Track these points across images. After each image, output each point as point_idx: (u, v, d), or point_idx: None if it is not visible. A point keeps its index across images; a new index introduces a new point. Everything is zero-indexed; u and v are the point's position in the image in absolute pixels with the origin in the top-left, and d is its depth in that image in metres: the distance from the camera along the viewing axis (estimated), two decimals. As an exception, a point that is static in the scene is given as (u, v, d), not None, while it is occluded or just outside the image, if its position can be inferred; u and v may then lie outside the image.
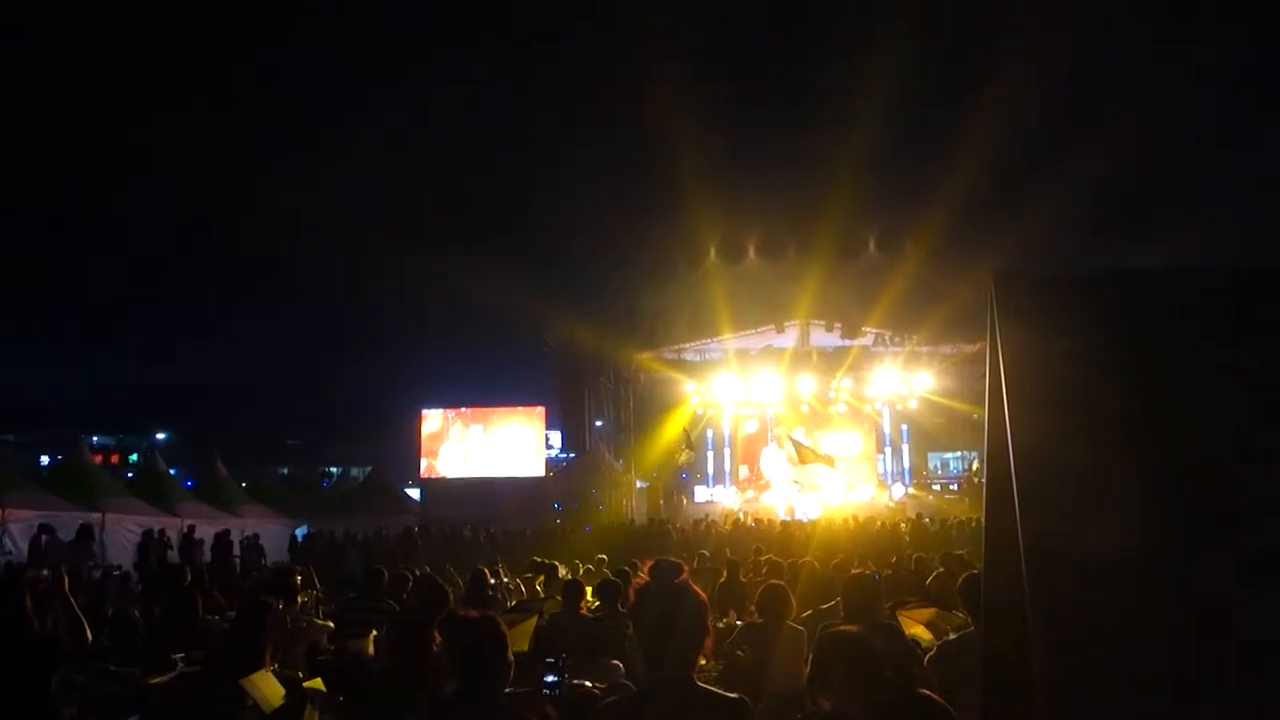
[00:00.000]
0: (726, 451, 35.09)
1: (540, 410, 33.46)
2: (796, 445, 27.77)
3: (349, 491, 31.46)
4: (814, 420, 34.07)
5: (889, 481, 34.02)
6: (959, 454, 36.12)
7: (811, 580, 9.53)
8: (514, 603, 9.59)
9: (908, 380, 32.52)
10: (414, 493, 32.19)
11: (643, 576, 2.92)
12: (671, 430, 32.72)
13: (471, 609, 3.87)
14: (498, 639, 3.19)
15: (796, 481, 31.42)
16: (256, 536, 20.28)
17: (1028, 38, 27.18)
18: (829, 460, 27.98)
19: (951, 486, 33.73)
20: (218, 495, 23.11)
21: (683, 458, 31.03)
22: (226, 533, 19.10)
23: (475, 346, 43.14)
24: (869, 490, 32.48)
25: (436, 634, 3.66)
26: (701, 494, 33.46)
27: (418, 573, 9.02)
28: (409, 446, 33.54)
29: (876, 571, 10.94)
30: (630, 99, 30.13)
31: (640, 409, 35.46)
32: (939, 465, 37.24)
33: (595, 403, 34.96)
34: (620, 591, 6.79)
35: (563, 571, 11.66)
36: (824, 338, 32.91)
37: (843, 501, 29.61)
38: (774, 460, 32.68)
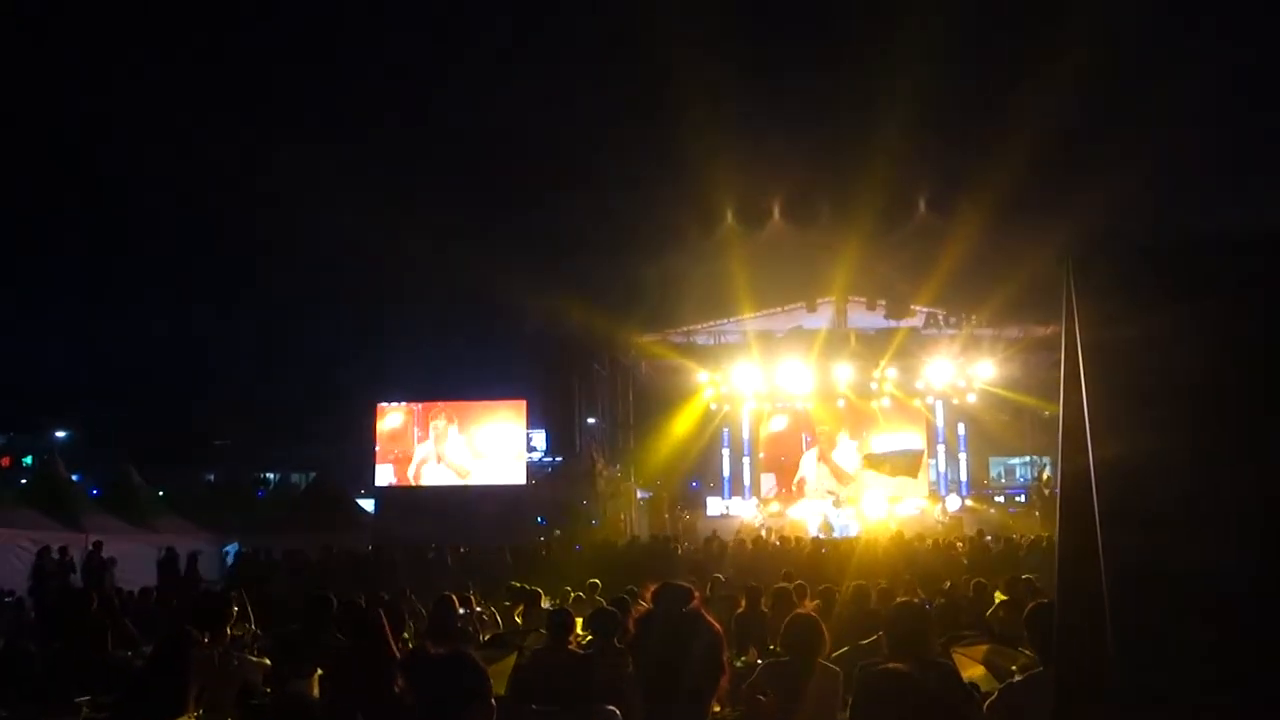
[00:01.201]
0: (746, 457, 35.14)
1: (521, 405, 33.52)
2: (868, 458, 27.89)
3: (289, 501, 31.71)
4: (854, 418, 34.12)
5: (942, 491, 34.08)
6: (1026, 459, 36.14)
7: (849, 610, 9.57)
8: (488, 636, 9.62)
9: (965, 370, 32.51)
10: (367, 503, 32.52)
11: (644, 604, 2.93)
12: (680, 429, 32.77)
13: (439, 643, 3.87)
14: (473, 680, 3.15)
15: (832, 493, 31.50)
16: (194, 556, 20.27)
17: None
18: (912, 463, 27.97)
19: (1017, 498, 33.82)
20: (129, 505, 23.02)
21: None
22: (146, 550, 19.28)
23: (444, 328, 42.99)
24: (918, 502, 32.58)
25: (399, 675, 3.65)
26: (715, 506, 33.71)
27: (373, 600, 9.06)
28: (362, 448, 33.68)
29: (927, 600, 10.98)
30: (630, 20, 29.73)
31: (641, 404, 35.46)
32: (1002, 472, 37.33)
33: (587, 396, 34.88)
34: (617, 622, 6.83)
35: (546, 601, 11.74)
36: (865, 318, 32.71)
37: (885, 516, 29.71)
38: (815, 466, 32.89)
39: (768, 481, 35.15)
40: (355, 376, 42.15)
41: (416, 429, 33.28)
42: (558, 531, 28.73)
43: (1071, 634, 2.74)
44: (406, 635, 8.46)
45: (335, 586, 11.37)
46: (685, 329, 33.68)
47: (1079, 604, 2.61)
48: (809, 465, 34.69)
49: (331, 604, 7.80)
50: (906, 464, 29.45)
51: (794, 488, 34.62)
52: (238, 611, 8.10)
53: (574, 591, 13.06)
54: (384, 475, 32.94)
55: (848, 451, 34.63)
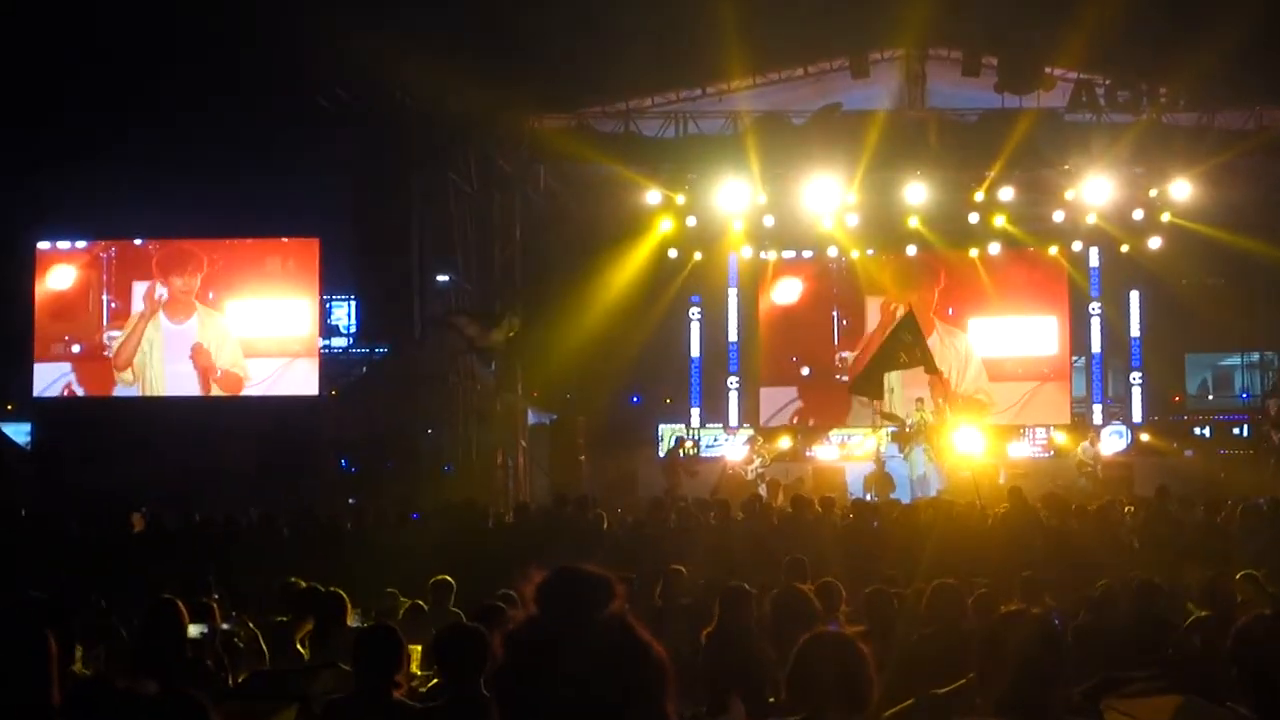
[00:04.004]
0: (731, 351, 35.19)
1: (311, 246, 33.29)
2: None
3: None
4: (930, 277, 34.27)
5: (1095, 417, 34.45)
6: (1254, 357, 36.64)
7: (921, 630, 9.68)
8: (246, 675, 9.73)
9: (1145, 190, 32.65)
10: (16, 430, 32.04)
11: (526, 608, 2.86)
12: (609, 297, 32.70)
13: (149, 680, 3.78)
14: None
15: (892, 418, 31.76)
16: None
17: None
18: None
19: (1234, 429, 34.36)
20: None
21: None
22: None
23: (163, 102, 42.15)
24: (1049, 434, 32.89)
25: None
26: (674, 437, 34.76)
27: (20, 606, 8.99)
28: (6, 327, 33.82)
29: (1057, 613, 11.12)
30: None
31: (539, 249, 35.49)
32: (1208, 382, 37.89)
33: (435, 233, 34.50)
34: (484, 651, 7.31)
35: (355, 614, 11.80)
36: (959, 90, 33.01)
37: (986, 461, 30.03)
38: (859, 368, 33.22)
39: (771, 398, 35.34)
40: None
41: (110, 294, 32.86)
42: (380, 479, 28.75)
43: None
44: (79, 666, 8.39)
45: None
46: (621, 105, 33.51)
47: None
48: (850, 368, 34.85)
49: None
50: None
51: (818, 411, 34.88)
52: None
53: (405, 600, 13.06)
54: (48, 378, 32.90)
55: (926, 338, 34.89)
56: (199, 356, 33.35)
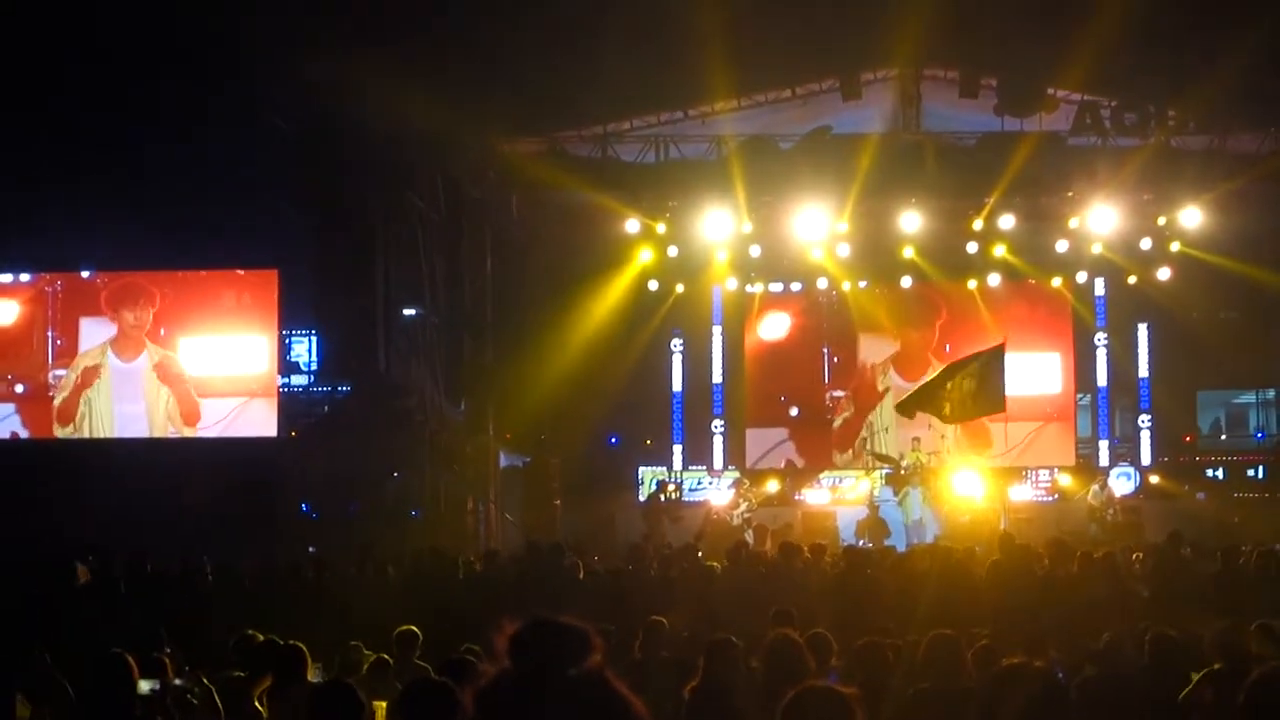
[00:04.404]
0: (715, 390, 35.15)
1: (269, 278, 33.19)
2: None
3: None
4: (930, 312, 34.24)
5: (1102, 458, 34.44)
6: (1269, 392, 36.63)
7: (917, 686, 9.59)
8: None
9: (1153, 218, 32.67)
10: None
11: (499, 661, 2.77)
12: (586, 331, 32.65)
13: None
14: None
15: (886, 460, 31.74)
16: None
17: None
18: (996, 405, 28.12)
19: (1250, 470, 34.31)
20: None
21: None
22: None
23: (118, 118, 42.12)
24: (1053, 477, 32.85)
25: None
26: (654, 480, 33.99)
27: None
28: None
29: (1060, 665, 11.02)
30: None
31: (512, 280, 35.48)
32: (1221, 420, 37.83)
33: (401, 264, 34.58)
34: (449, 705, 7.24)
35: (315, 669, 11.72)
36: (956, 112, 33.18)
37: (987, 504, 29.98)
38: (851, 405, 33.04)
39: (758, 440, 35.29)
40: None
41: (55, 331, 32.80)
42: (342, 525, 28.64)
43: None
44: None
45: None
46: (598, 129, 33.52)
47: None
48: (842, 406, 34.85)
49: None
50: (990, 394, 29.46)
51: (808, 453, 34.84)
52: None
53: (370, 654, 13.02)
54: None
55: (922, 376, 34.81)
56: (149, 396, 33.22)
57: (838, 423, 37.52)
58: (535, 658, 2.98)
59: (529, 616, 3.28)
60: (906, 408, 31.55)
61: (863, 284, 36.30)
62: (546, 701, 2.92)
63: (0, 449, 33.05)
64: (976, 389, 28.85)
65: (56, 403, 33.32)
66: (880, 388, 37.46)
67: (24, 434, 33.25)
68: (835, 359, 37.62)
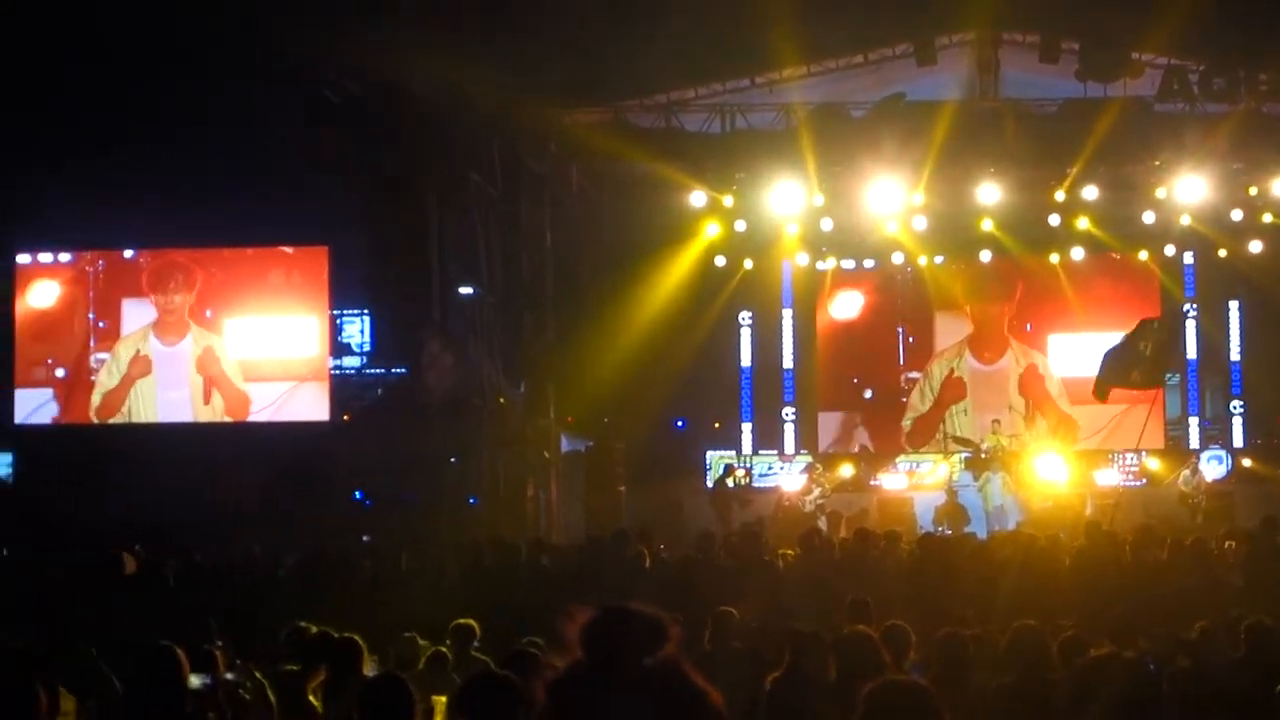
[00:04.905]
0: (786, 371, 35.08)
1: (319, 255, 33.27)
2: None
3: None
4: (1006, 287, 34.06)
5: (1192, 440, 34.20)
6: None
7: (1000, 678, 9.53)
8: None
9: (1245, 188, 32.39)
10: (-2, 460, 32.29)
11: (564, 656, 2.76)
12: (651, 310, 32.62)
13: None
14: None
15: (967, 443, 31.65)
16: None
17: None
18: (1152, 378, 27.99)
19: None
20: None
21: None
22: None
23: (156, 100, 42.33)
24: (1141, 460, 32.67)
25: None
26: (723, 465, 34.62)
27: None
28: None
29: (1151, 658, 10.95)
30: None
31: (571, 256, 35.39)
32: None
33: (457, 237, 34.62)
34: (517, 701, 7.08)
35: (371, 661, 11.76)
36: (1036, 78, 32.98)
37: (1069, 488, 29.84)
38: (930, 387, 32.95)
39: (830, 423, 35.22)
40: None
41: (96, 313, 32.97)
42: (398, 514, 28.69)
43: None
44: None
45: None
46: (661, 98, 33.50)
47: None
48: (922, 386, 34.74)
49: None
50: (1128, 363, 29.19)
51: (883, 436, 34.75)
52: None
53: (428, 645, 13.30)
54: (30, 404, 32.75)
55: (1000, 357, 34.70)
56: (192, 382, 33.31)
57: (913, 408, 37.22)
58: (608, 647, 2.96)
59: (599, 605, 3.25)
60: (1101, 391, 30.99)
61: (939, 259, 36.14)
62: (620, 692, 2.90)
63: (41, 434, 33.23)
64: (1155, 353, 28.45)
65: (102, 393, 33.39)
66: (956, 374, 37.23)
67: (62, 419, 33.30)
68: (911, 339, 37.54)
